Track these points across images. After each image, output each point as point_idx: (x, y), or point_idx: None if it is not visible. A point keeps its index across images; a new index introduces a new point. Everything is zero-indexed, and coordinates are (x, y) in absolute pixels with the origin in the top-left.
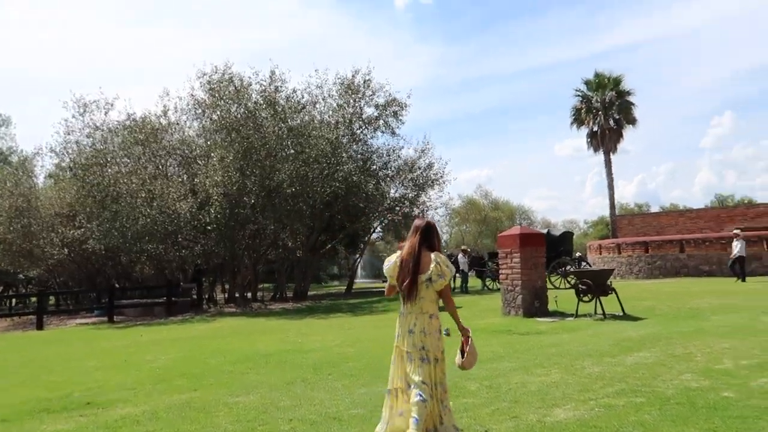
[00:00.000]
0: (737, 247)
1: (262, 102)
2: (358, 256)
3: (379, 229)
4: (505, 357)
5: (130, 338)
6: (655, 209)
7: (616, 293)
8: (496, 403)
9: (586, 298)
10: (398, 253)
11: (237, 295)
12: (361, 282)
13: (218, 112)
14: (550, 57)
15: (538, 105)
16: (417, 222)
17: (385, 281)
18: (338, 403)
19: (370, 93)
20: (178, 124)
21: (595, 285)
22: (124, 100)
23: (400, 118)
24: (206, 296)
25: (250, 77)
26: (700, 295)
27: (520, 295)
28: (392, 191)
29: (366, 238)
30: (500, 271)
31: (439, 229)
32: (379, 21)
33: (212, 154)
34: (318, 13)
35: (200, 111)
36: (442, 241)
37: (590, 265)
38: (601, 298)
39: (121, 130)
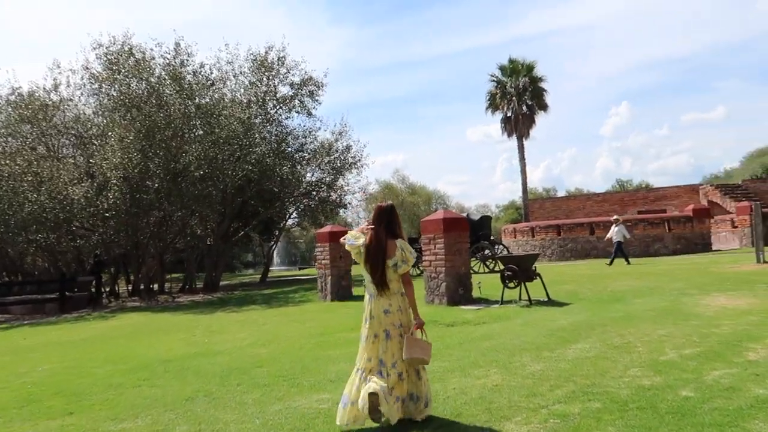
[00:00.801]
0: (614, 232)
1: (166, 77)
2: (273, 243)
3: (294, 214)
4: (436, 355)
5: (8, 343)
6: (561, 193)
7: (541, 278)
8: (436, 419)
9: (511, 284)
10: (354, 232)
11: (142, 287)
12: (277, 270)
13: (117, 87)
14: (462, 44)
15: (451, 91)
16: (380, 206)
17: (302, 268)
18: (248, 427)
19: (285, 71)
20: (71, 100)
21: (521, 270)
22: (6, 71)
23: (317, 98)
24: (107, 290)
25: (152, 49)
26: (615, 277)
27: (444, 283)
28: (309, 175)
29: (281, 225)
30: (423, 258)
31: (355, 214)
32: (294, 2)
33: (110, 134)
34: None
35: (96, 86)
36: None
37: (508, 250)
38: (527, 283)
39: (4, 106)
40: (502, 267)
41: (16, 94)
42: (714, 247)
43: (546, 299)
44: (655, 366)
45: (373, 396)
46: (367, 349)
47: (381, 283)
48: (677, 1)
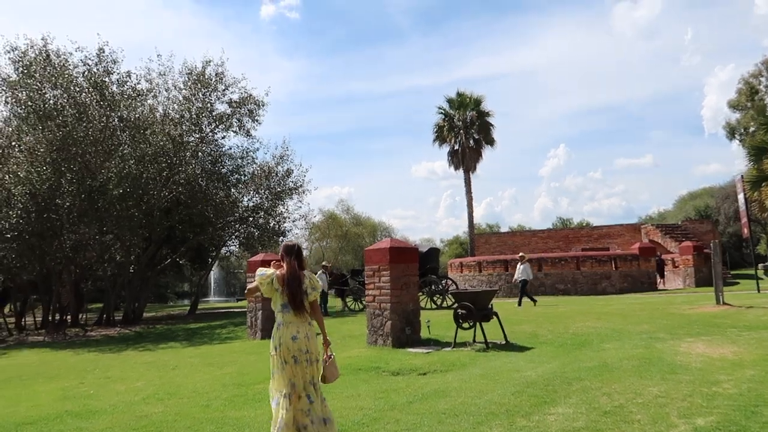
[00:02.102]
0: (520, 270)
1: (87, 85)
2: (205, 272)
3: (236, 242)
4: (379, 421)
5: None
6: (504, 230)
7: (498, 318)
8: None
9: (465, 325)
10: (269, 270)
11: (51, 319)
12: (213, 301)
13: (27, 94)
14: (408, 82)
15: (396, 127)
16: (289, 243)
17: (240, 299)
18: None
19: (223, 87)
20: None
21: (477, 309)
22: None
23: (257, 118)
24: (13, 322)
25: (72, 54)
26: (573, 318)
27: (389, 321)
28: (245, 200)
29: (214, 253)
30: (367, 292)
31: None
32: (243, 29)
33: (14, 144)
34: (173, 14)
35: (8, 93)
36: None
37: (456, 285)
38: (483, 323)
39: None
40: (451, 303)
41: None
42: (659, 287)
43: (503, 342)
44: None
45: None
46: (283, 376)
47: (300, 308)
48: (613, 53)
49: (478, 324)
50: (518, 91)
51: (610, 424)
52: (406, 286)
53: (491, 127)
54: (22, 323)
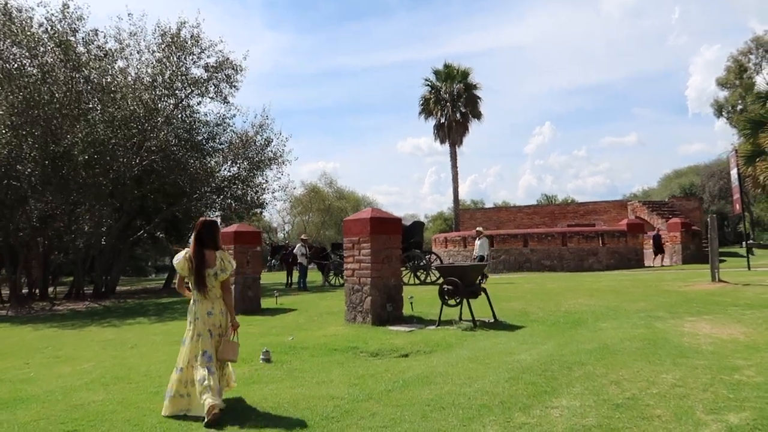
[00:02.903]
0: (479, 246)
1: (51, 45)
2: (180, 246)
3: (215, 215)
4: (352, 414)
5: None
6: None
7: (487, 295)
8: None
9: (452, 302)
10: (181, 252)
11: (17, 293)
12: None
13: None
14: (395, 57)
15: (382, 103)
16: (201, 222)
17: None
18: None
19: (199, 51)
20: None
21: (464, 284)
22: None
23: (235, 84)
24: None
25: (33, 9)
26: (563, 294)
27: (368, 297)
28: (222, 170)
29: (190, 225)
30: (345, 266)
31: (280, 218)
32: (230, 4)
33: None
34: None
35: None
36: (284, 231)
37: (440, 259)
38: (470, 300)
39: None
40: (435, 278)
41: None
42: (655, 264)
43: (492, 320)
44: None
45: (213, 408)
46: (192, 349)
47: (200, 289)
48: (600, 31)
49: (465, 301)
50: (505, 67)
51: (626, 420)
52: (388, 259)
53: (478, 100)
54: None
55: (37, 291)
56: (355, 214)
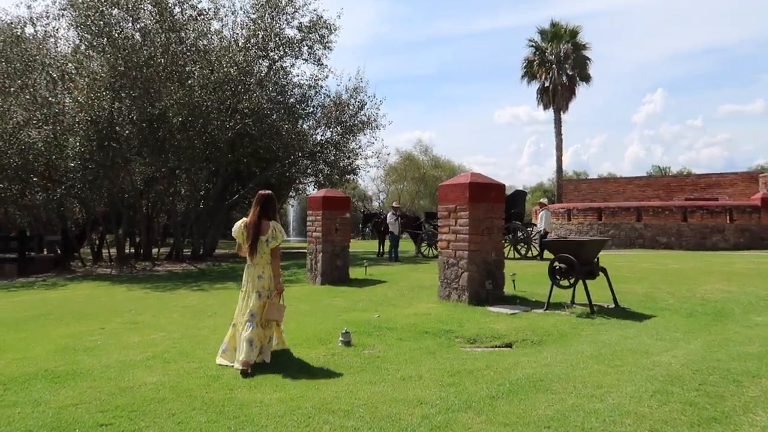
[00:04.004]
0: (541, 220)
1: (146, 3)
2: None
3: (309, 180)
4: (446, 429)
5: None
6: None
7: (606, 276)
8: None
9: (564, 282)
10: (240, 221)
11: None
12: (293, 241)
13: (86, 12)
14: (493, 23)
15: (478, 71)
16: (260, 194)
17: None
18: None
19: (293, 10)
20: (48, 33)
21: (580, 263)
22: None
23: (328, 44)
24: (90, 251)
25: None
26: (694, 278)
27: (465, 272)
28: (318, 134)
29: (290, 191)
30: (440, 236)
31: (374, 186)
32: None
33: (81, 71)
34: None
35: (75, 14)
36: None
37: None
38: (587, 281)
39: None
40: (536, 253)
41: None
42: None
43: (612, 305)
44: None
45: (244, 364)
46: (242, 308)
47: (252, 253)
48: None
49: (581, 282)
50: (611, 32)
51: None
52: (489, 230)
53: (588, 62)
54: (102, 255)
55: (141, 251)
56: (453, 178)
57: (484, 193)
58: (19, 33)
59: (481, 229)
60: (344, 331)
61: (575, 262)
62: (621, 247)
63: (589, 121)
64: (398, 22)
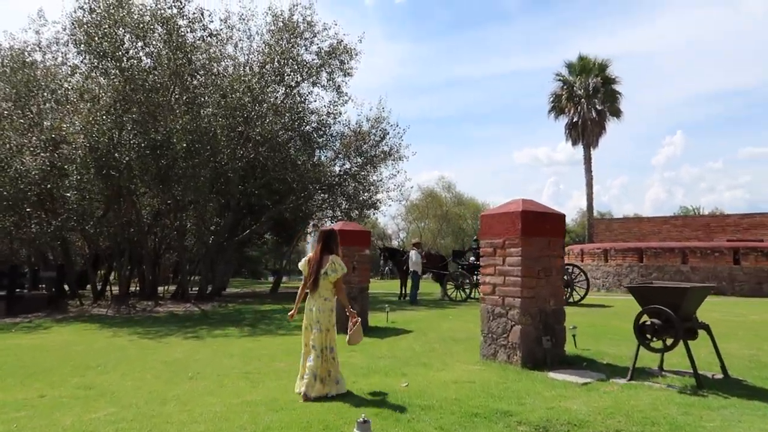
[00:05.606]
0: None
1: (151, 20)
2: (288, 247)
3: (326, 214)
4: None
5: None
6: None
7: (710, 333)
8: None
9: (657, 344)
10: (309, 254)
11: (119, 291)
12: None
13: (88, 31)
14: (514, 65)
15: (500, 112)
16: (323, 230)
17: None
18: None
19: (311, 35)
20: (52, 55)
21: (680, 317)
22: None
23: (349, 71)
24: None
25: None
26: None
27: (517, 326)
28: (337, 166)
29: (302, 226)
30: (482, 279)
31: (395, 224)
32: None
33: (66, 86)
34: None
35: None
36: (398, 238)
37: (585, 274)
38: (689, 342)
39: None
40: (579, 298)
41: None
42: None
43: (720, 375)
44: None
45: (304, 396)
46: (304, 336)
47: (314, 287)
48: (739, 32)
49: (683, 342)
50: (630, 74)
51: None
52: (547, 272)
53: (618, 96)
54: (105, 294)
55: (146, 289)
56: (499, 206)
57: (540, 224)
58: (27, 59)
59: (536, 271)
60: (361, 419)
61: (674, 318)
62: None
63: (610, 162)
64: (418, 65)
